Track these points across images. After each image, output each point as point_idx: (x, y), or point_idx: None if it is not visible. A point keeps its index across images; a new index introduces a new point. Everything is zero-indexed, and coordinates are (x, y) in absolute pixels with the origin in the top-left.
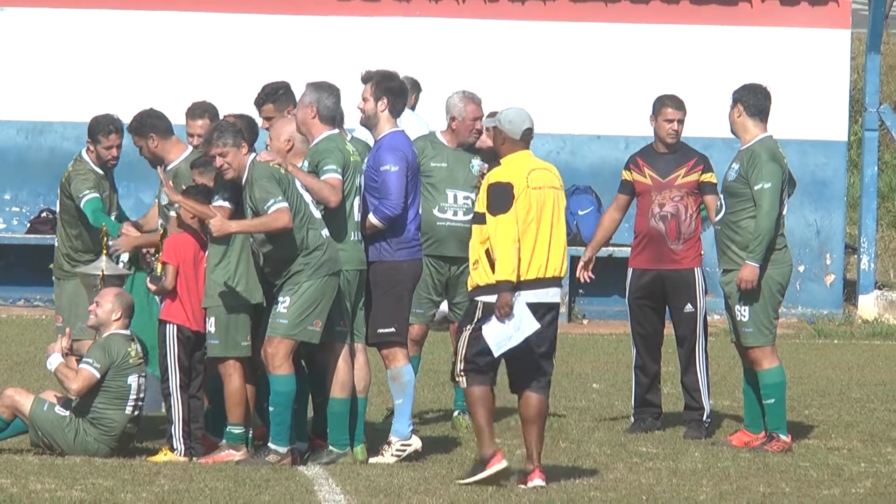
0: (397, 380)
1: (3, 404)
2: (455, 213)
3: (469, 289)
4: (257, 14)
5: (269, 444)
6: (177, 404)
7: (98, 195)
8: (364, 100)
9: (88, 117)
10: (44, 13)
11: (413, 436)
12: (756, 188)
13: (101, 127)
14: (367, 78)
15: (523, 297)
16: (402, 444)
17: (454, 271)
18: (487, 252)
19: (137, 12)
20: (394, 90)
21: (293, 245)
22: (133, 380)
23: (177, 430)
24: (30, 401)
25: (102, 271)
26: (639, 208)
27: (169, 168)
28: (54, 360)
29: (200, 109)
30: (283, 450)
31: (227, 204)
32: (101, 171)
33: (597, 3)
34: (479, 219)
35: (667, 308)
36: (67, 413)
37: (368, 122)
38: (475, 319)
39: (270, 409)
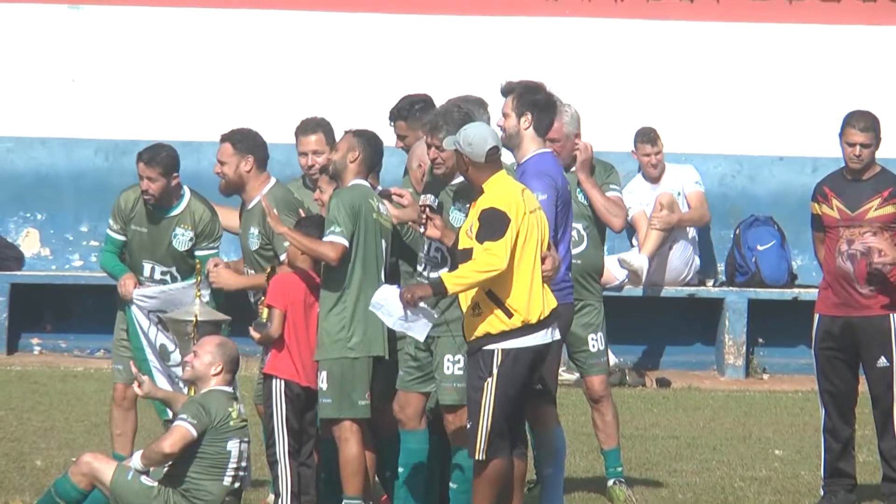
0: (546, 446)
1: (80, 472)
2: None
3: (469, 340)
4: (382, 13)
5: None
6: (285, 473)
7: (117, 235)
8: (504, 115)
9: (180, 135)
10: (127, 12)
11: None
12: None
13: (139, 155)
14: (507, 90)
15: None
16: None
17: None
18: (491, 294)
19: (244, 11)
20: (539, 104)
21: None
22: (234, 445)
23: (285, 503)
24: (111, 469)
25: (196, 317)
26: (826, 245)
27: (251, 206)
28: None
29: (313, 124)
30: None
31: (341, 240)
32: (150, 208)
33: (779, 0)
34: (471, 255)
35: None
36: (155, 484)
37: (510, 142)
38: (493, 369)
39: (453, 486)
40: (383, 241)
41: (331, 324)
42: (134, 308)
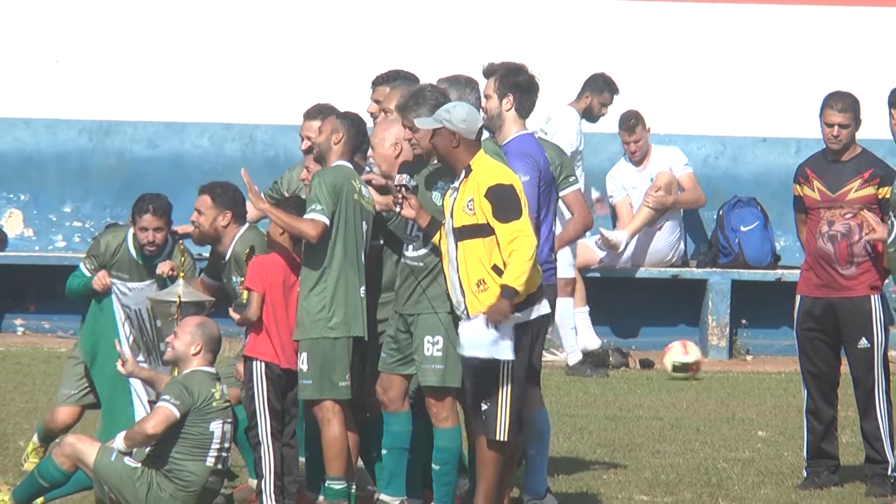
0: (530, 427)
1: (63, 454)
2: None
3: (472, 316)
4: None
5: None
6: (267, 454)
7: (89, 273)
8: (486, 97)
9: (165, 115)
10: None
11: (548, 494)
12: None
13: (137, 204)
14: (489, 72)
15: (531, 315)
16: (535, 503)
17: None
18: (496, 268)
19: None
20: (522, 86)
21: None
22: (216, 426)
23: (268, 484)
24: (94, 450)
25: (179, 297)
26: (808, 227)
27: (228, 257)
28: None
29: (316, 110)
30: None
31: (322, 217)
32: (134, 258)
33: None
34: (474, 231)
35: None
36: (139, 465)
37: (492, 124)
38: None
39: (435, 467)
40: (364, 224)
41: (311, 303)
42: (114, 298)
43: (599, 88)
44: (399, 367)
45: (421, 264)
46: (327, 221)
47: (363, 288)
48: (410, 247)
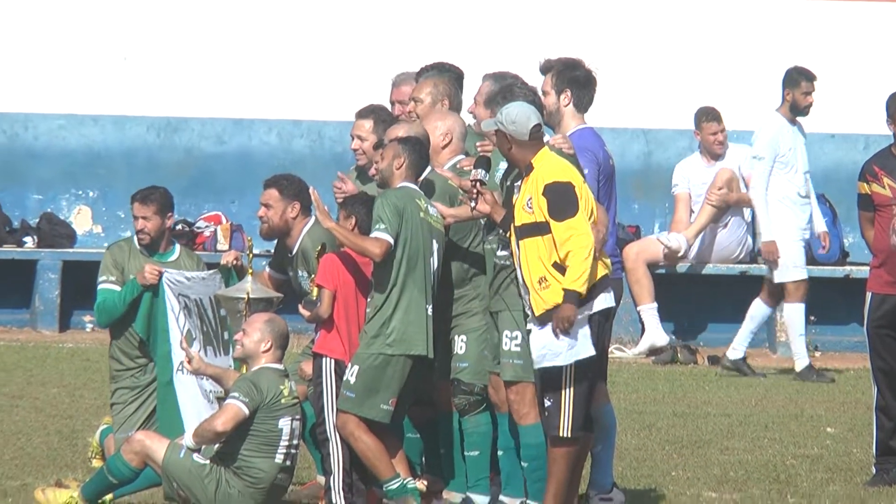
0: (596, 422)
1: (132, 450)
2: None
3: (538, 314)
4: None
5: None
6: (335, 451)
7: (114, 286)
8: (544, 93)
9: (232, 112)
10: None
11: (615, 489)
12: None
13: (132, 197)
14: (546, 68)
15: (594, 308)
16: (602, 499)
17: None
18: (556, 265)
19: None
20: (579, 81)
21: None
22: (285, 423)
23: (336, 481)
24: (164, 447)
25: (248, 294)
26: (878, 223)
27: (295, 251)
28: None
29: (367, 110)
30: None
31: (386, 236)
32: (146, 254)
33: None
34: (534, 230)
35: None
36: (207, 461)
37: (550, 119)
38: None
39: (524, 464)
40: (434, 242)
41: (373, 319)
42: (166, 290)
43: (794, 81)
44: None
45: (509, 262)
46: (391, 240)
47: (430, 307)
48: (500, 246)
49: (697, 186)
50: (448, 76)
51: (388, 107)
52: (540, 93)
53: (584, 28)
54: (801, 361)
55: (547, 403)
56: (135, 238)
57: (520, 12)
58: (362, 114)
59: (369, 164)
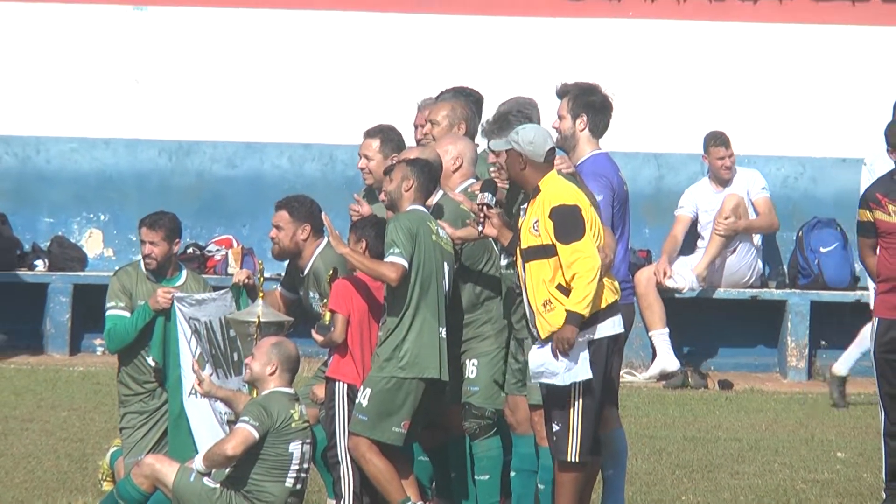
0: (607, 447)
1: (142, 474)
2: None
3: (543, 337)
4: (445, 15)
5: None
6: (347, 474)
7: (123, 312)
8: (560, 117)
9: (244, 135)
10: (191, 13)
11: None
12: None
13: (141, 221)
14: (562, 92)
15: (597, 334)
16: None
17: None
18: (560, 287)
19: (302, 12)
20: (595, 106)
21: None
22: (296, 447)
23: (347, 502)
24: (174, 471)
25: (259, 318)
26: (883, 249)
27: (307, 271)
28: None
29: (375, 130)
30: None
31: (401, 260)
32: (153, 279)
33: (843, 2)
34: (540, 252)
35: None
36: (218, 485)
37: (565, 144)
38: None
39: (541, 486)
40: (445, 264)
41: (386, 342)
42: (178, 314)
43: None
44: (522, 389)
45: None
46: (406, 264)
47: (443, 329)
48: (513, 269)
49: (706, 213)
50: (466, 100)
51: (412, 130)
52: (556, 117)
53: (599, 54)
54: (840, 369)
55: (556, 428)
56: (142, 263)
57: (536, 37)
58: (370, 133)
59: (377, 184)
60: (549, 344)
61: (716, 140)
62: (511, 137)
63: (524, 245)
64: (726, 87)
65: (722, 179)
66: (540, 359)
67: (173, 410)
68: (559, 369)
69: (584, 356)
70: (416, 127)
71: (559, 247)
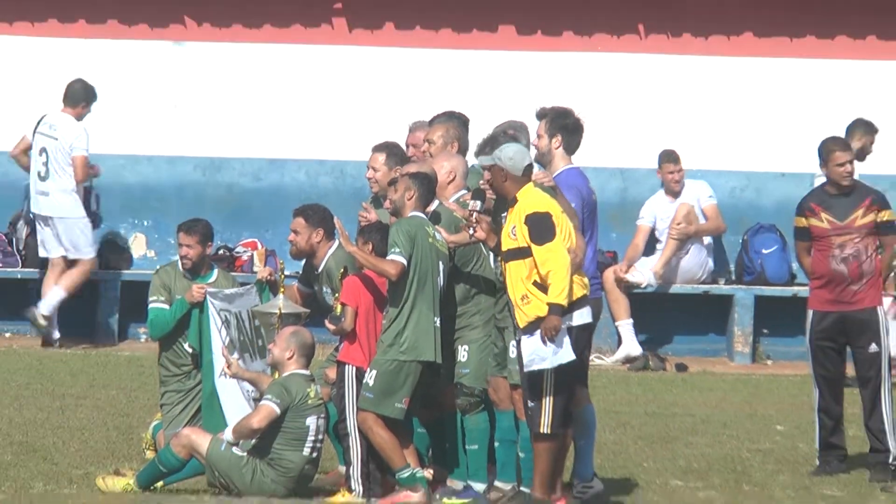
0: (578, 420)
1: (180, 444)
2: None
3: (522, 326)
4: (437, 49)
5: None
6: (355, 444)
7: (164, 304)
8: (538, 136)
9: (268, 153)
10: (223, 48)
11: (595, 478)
12: None
13: (179, 226)
14: (541, 114)
15: (573, 322)
16: (584, 487)
17: None
18: (536, 283)
19: (316, 47)
20: (568, 127)
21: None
22: (311, 421)
23: (355, 470)
24: (207, 441)
25: (280, 310)
26: (817, 251)
27: (321, 269)
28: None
29: (382, 146)
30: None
31: (400, 259)
32: (189, 277)
33: (781, 38)
34: (517, 254)
35: (847, 349)
36: (245, 453)
37: (542, 159)
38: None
39: (521, 454)
40: (440, 263)
41: (388, 331)
42: (210, 307)
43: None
44: (502, 371)
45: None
46: (405, 262)
47: (437, 319)
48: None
49: (662, 220)
50: (456, 122)
51: (404, 148)
52: (534, 136)
53: (572, 82)
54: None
55: (530, 405)
56: (179, 262)
57: (517, 68)
58: (378, 148)
59: (381, 192)
60: (538, 333)
61: (667, 157)
62: (495, 154)
63: (504, 248)
64: (683, 110)
65: (673, 191)
66: (530, 347)
67: (206, 389)
68: (548, 354)
69: (567, 341)
70: (407, 146)
71: (534, 248)
